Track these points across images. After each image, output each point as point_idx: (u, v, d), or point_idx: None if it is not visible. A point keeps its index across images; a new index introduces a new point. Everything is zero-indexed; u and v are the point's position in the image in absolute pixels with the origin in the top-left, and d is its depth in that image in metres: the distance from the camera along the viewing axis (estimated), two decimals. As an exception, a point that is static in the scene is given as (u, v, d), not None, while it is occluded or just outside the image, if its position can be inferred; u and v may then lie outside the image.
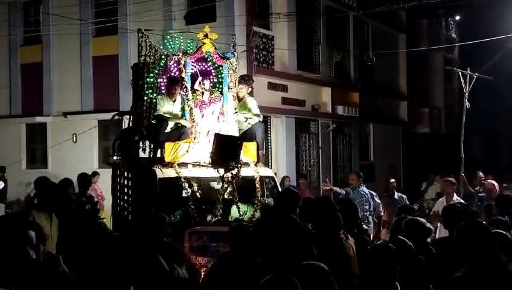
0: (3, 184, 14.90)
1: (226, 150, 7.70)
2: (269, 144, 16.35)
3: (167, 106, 8.23)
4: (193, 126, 8.18)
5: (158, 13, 15.04)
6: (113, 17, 16.25)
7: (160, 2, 15.67)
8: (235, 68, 8.69)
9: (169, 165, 7.91)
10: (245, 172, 8.08)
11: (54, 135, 17.75)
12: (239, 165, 7.81)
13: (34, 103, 17.95)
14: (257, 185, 8.13)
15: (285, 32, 16.43)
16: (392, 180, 11.53)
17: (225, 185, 7.82)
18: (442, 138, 26.21)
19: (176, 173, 7.82)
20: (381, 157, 20.94)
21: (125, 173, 8.62)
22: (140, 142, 8.45)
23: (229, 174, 7.77)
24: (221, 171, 7.78)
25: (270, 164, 16.10)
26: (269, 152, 16.27)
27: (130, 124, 9.02)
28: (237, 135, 8.40)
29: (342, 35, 19.55)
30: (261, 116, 8.73)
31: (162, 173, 7.83)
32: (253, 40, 15.09)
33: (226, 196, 7.90)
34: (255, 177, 8.18)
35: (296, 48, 16.82)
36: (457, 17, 28.13)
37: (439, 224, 8.11)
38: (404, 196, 11.08)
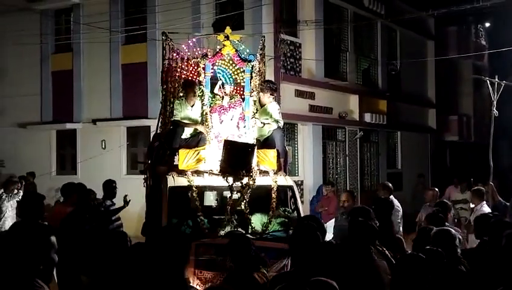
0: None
1: (235, 157, 7.20)
2: (296, 151, 16.34)
3: (185, 111, 7.84)
4: (208, 132, 7.74)
5: (187, 21, 15.16)
6: (142, 25, 16.46)
7: (189, 10, 15.80)
8: (258, 71, 8.14)
9: (183, 173, 7.53)
10: (263, 181, 7.62)
11: (84, 142, 18.02)
12: (251, 174, 7.33)
13: (64, 110, 18.22)
14: (273, 195, 7.60)
15: (312, 40, 16.42)
16: (436, 189, 10.83)
17: (234, 195, 7.34)
18: (472, 146, 25.84)
19: (188, 181, 7.41)
20: (409, 166, 20.75)
21: (147, 180, 8.47)
22: (161, 149, 8.12)
23: (238, 184, 7.29)
24: (230, 180, 7.30)
25: (296, 172, 16.09)
26: (296, 160, 16.26)
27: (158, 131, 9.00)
28: (255, 141, 7.86)
29: (369, 42, 19.48)
30: (281, 122, 8.18)
31: (174, 181, 7.45)
32: (281, 48, 15.11)
33: (242, 207, 7.40)
34: (272, 186, 7.66)
35: (324, 56, 16.80)
36: (487, 24, 27.74)
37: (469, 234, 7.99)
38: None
